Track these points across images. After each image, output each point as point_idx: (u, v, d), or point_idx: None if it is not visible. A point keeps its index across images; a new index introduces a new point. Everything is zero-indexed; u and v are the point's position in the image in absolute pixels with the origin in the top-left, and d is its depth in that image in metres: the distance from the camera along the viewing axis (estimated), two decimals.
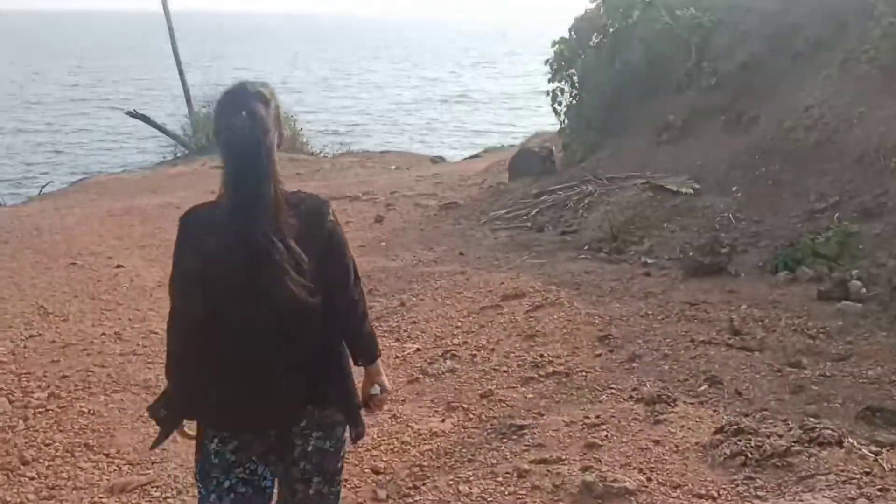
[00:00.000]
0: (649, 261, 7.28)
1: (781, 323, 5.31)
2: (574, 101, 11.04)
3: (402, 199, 11.46)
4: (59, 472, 4.09)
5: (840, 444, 3.50)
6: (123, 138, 20.12)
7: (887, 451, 3.51)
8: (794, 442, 3.53)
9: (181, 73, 16.94)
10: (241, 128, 2.05)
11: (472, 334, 5.86)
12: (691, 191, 8.15)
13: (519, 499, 3.51)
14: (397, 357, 5.46)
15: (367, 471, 3.98)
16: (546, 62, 11.31)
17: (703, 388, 4.46)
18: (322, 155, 16.72)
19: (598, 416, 4.15)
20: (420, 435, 4.25)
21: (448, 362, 5.20)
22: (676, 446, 3.79)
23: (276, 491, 2.40)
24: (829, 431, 3.58)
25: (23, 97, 26.94)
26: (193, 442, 2.32)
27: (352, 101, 30.19)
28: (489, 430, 4.18)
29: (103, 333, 6.20)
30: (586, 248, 7.94)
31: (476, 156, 17.02)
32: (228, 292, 2.11)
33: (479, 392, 4.69)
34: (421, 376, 5.03)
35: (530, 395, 4.58)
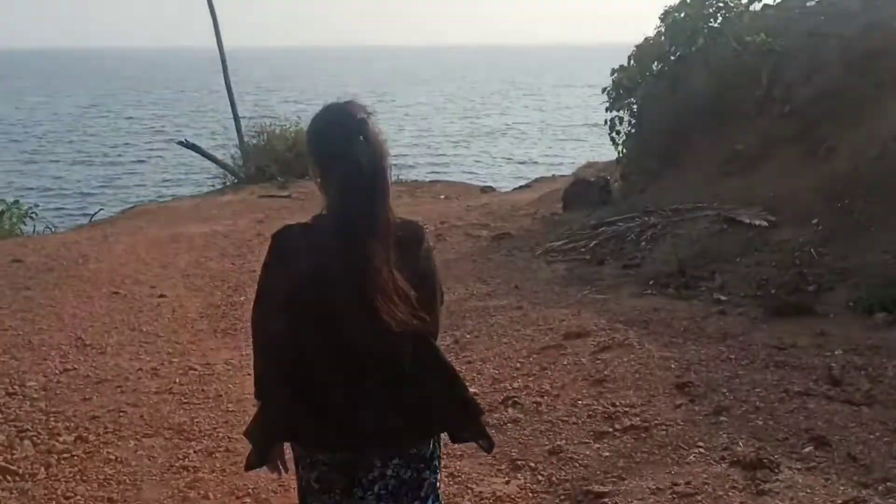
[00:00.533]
0: (723, 298, 6.63)
1: (889, 372, 4.63)
2: (633, 130, 10.46)
3: (452, 229, 10.95)
4: None
5: None
6: (174, 167, 20.05)
7: None
8: None
9: (233, 103, 16.75)
10: (362, 154, 2.00)
11: (533, 378, 5.27)
12: (766, 223, 7.49)
13: None
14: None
15: None
16: (604, 90, 10.77)
17: (807, 449, 3.82)
18: None
19: (688, 483, 3.54)
20: (482, 499, 3.69)
21: (510, 411, 4.62)
22: None
23: None
24: None
25: (80, 129, 27.20)
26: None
27: (397, 133, 29.97)
28: (562, 496, 3.60)
29: (139, 369, 5.76)
30: (652, 283, 7.31)
31: (526, 186, 16.48)
32: (328, 315, 2.04)
33: (547, 448, 4.10)
34: None
35: (606, 454, 3.98)
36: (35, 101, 34.00)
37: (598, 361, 5.40)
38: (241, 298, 7.78)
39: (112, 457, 4.25)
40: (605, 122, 10.72)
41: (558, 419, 4.46)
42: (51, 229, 13.07)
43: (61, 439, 4.48)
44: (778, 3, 10.03)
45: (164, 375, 5.62)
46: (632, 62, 10.52)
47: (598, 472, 3.78)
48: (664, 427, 4.22)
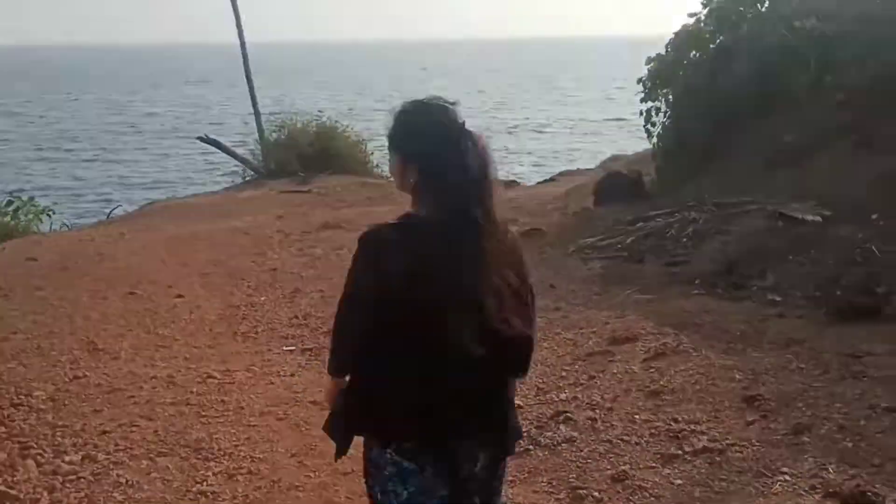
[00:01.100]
0: (777, 298, 6.09)
1: None
2: (669, 122, 9.90)
3: None
4: None
5: None
6: (194, 163, 19.67)
7: None
8: None
9: (253, 98, 16.32)
10: (472, 158, 2.00)
11: (581, 388, 4.78)
12: (820, 218, 6.94)
13: None
14: None
15: None
16: (639, 80, 10.22)
17: None
18: (392, 179, 15.83)
19: None
20: None
21: (562, 428, 4.12)
22: None
23: None
24: None
25: (100, 125, 26.90)
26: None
27: None
28: None
29: (154, 377, 5.30)
30: (698, 282, 6.78)
31: (551, 179, 15.94)
32: (418, 315, 1.98)
33: (610, 473, 3.60)
34: (531, 447, 3.96)
35: (678, 481, 3.48)
36: (55, 99, 33.80)
37: (652, 370, 4.90)
38: (262, 299, 7.34)
39: (122, 480, 3.79)
40: (641, 112, 10.18)
41: (617, 438, 3.96)
42: (67, 226, 12.69)
43: (67, 459, 4.03)
44: None
45: (181, 384, 5.17)
46: (668, 50, 9.96)
47: None
48: (739, 449, 3.71)
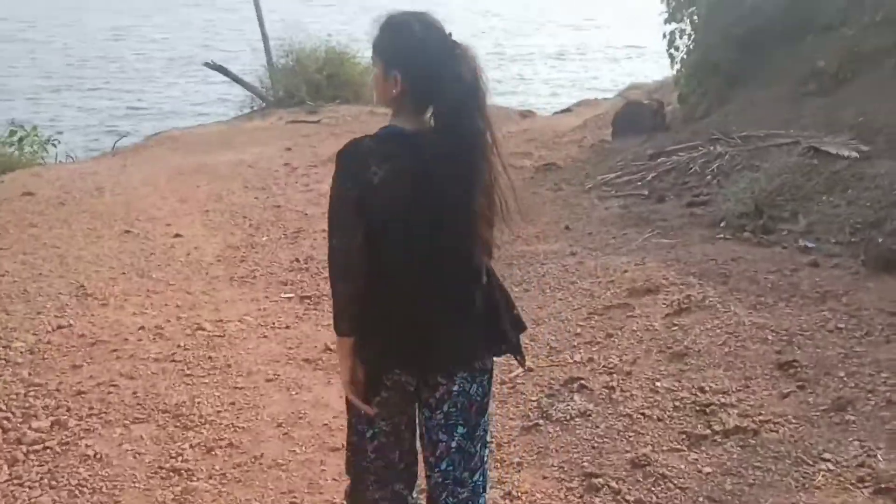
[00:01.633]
0: (810, 245, 5.57)
1: None
2: (693, 45, 9.17)
3: None
4: None
5: None
6: (203, 91, 19.01)
7: None
8: None
9: (260, 20, 15.56)
10: (466, 70, 1.95)
11: (598, 347, 4.32)
12: (856, 154, 6.33)
13: None
14: (504, 383, 3.96)
15: None
16: None
17: None
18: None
19: None
20: None
21: (576, 398, 3.67)
22: None
23: None
24: None
25: (105, 52, 26.09)
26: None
27: None
28: None
29: (142, 327, 4.90)
30: (723, 225, 6.25)
31: (568, 110, 15.18)
32: (399, 227, 1.97)
33: (629, 457, 3.16)
34: (541, 421, 3.52)
35: (707, 469, 3.03)
36: (60, 23, 32.87)
37: (675, 328, 4.42)
38: (263, 239, 6.90)
39: (91, 452, 3.40)
40: (663, 35, 9.44)
41: (638, 412, 3.51)
42: (72, 158, 12.20)
43: (35, 425, 3.64)
44: None
45: (168, 336, 4.76)
46: None
47: (701, 498, 2.85)
48: (774, 427, 3.25)
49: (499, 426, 3.51)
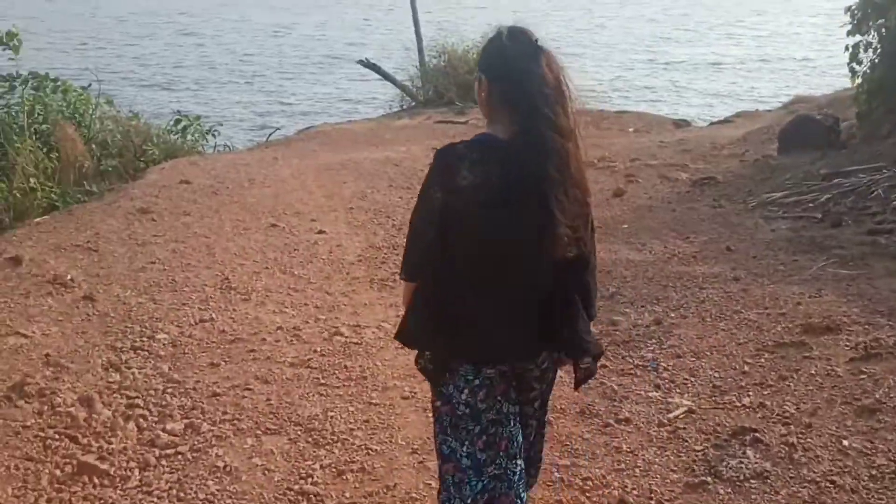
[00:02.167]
0: None
1: None
2: (880, 59, 8.27)
3: (644, 168, 9.31)
4: None
5: None
6: (353, 88, 19.26)
7: None
8: None
9: (416, 22, 15.54)
10: (545, 71, 1.99)
11: (770, 391, 3.79)
12: None
13: None
14: (662, 424, 3.51)
15: None
16: (847, 10, 8.59)
17: None
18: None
19: None
20: None
21: (749, 454, 3.17)
22: None
23: None
24: None
25: (263, 48, 27.05)
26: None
27: (577, 61, 27.68)
28: None
29: (280, 327, 4.76)
30: None
31: (727, 120, 14.27)
32: (483, 230, 2.00)
33: None
34: (709, 479, 3.04)
35: None
36: (225, 19, 34.49)
37: (862, 376, 3.82)
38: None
39: (221, 463, 3.22)
40: (846, 48, 8.58)
41: (825, 478, 2.98)
42: (229, 147, 12.53)
43: (169, 427, 3.52)
44: None
45: (306, 339, 4.59)
46: None
47: None
48: None
49: (658, 478, 3.08)
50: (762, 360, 4.14)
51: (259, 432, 3.49)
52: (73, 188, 8.87)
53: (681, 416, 3.57)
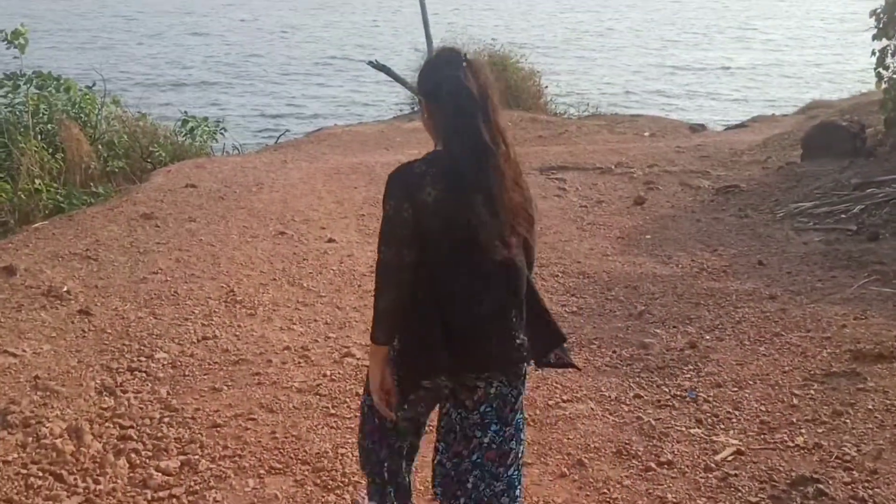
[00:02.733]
0: None
1: None
2: None
3: (664, 175, 8.92)
4: None
5: None
6: (365, 90, 18.90)
7: None
8: None
9: (426, 23, 15.14)
10: (468, 79, 2.02)
11: (824, 429, 3.40)
12: None
13: None
14: (709, 469, 3.12)
15: None
16: (872, 13, 8.19)
17: None
18: (566, 116, 14.32)
19: None
20: None
21: None
22: None
23: None
24: None
25: (274, 49, 26.73)
26: None
27: (586, 64, 27.21)
28: None
29: (287, 347, 4.38)
30: None
31: (742, 125, 13.91)
32: (447, 242, 2.02)
33: None
34: None
35: None
36: (231, 19, 34.22)
37: None
38: None
39: None
40: (872, 52, 8.18)
41: None
42: (238, 149, 12.18)
43: (164, 464, 3.14)
44: None
45: (314, 361, 4.21)
46: None
47: None
48: None
49: None
50: (811, 391, 3.75)
51: (262, 472, 3.11)
52: (78, 189, 8.54)
53: (729, 459, 3.19)
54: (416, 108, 14.34)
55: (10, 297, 4.82)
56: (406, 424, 2.26)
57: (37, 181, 8.12)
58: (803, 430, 3.39)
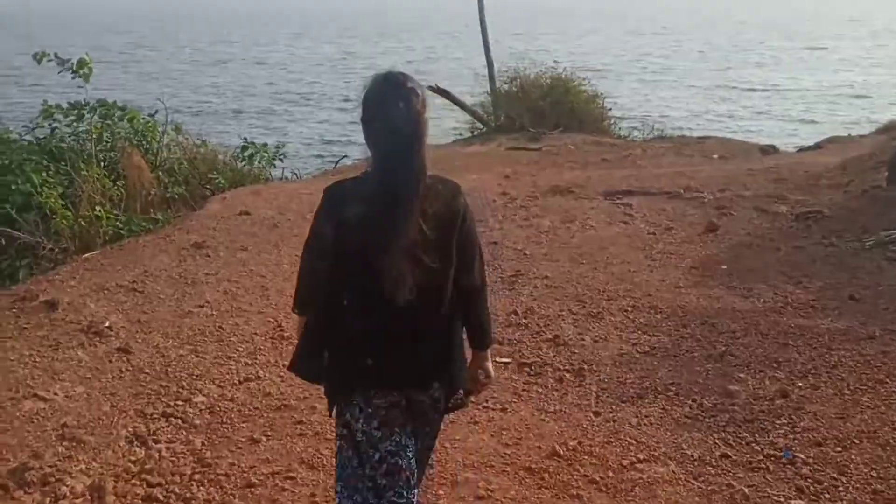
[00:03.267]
0: None
1: None
2: None
3: (736, 200, 8.31)
4: None
5: None
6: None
7: None
8: None
9: (487, 47, 14.83)
10: (398, 117, 2.04)
11: None
12: None
13: None
14: None
15: None
16: None
17: None
18: (631, 139, 13.77)
19: None
20: None
21: None
22: None
23: None
24: None
25: (331, 74, 26.79)
26: None
27: (648, 87, 26.57)
28: None
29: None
30: None
31: (817, 146, 13.13)
32: (361, 260, 2.05)
33: None
34: None
35: None
36: (296, 47, 34.57)
37: None
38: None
39: None
40: None
41: None
42: (297, 175, 11.99)
43: None
44: None
45: None
46: None
47: None
48: None
49: None
50: None
51: None
52: (138, 216, 8.41)
53: None
54: (475, 133, 14.00)
55: (49, 333, 4.55)
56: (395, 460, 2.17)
57: (97, 208, 8.00)
58: None
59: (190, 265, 6.08)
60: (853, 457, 3.25)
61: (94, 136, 9.24)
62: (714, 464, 3.28)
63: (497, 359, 4.53)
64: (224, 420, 3.71)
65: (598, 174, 9.79)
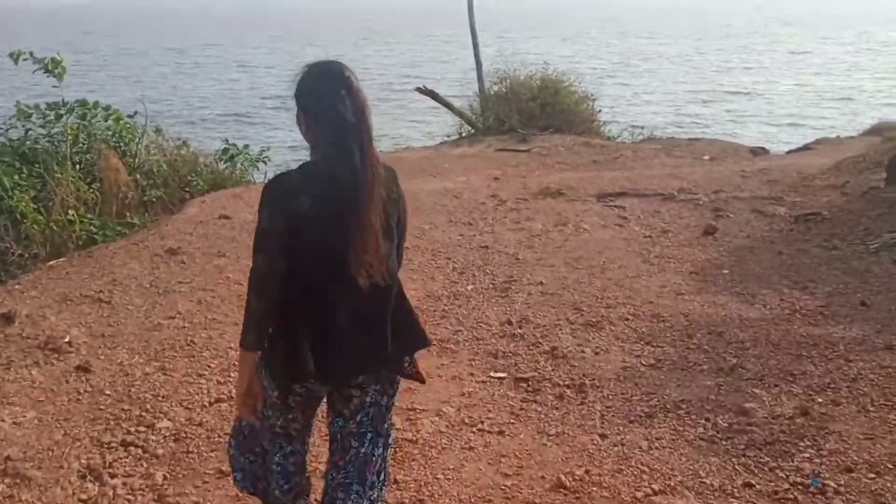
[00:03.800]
0: None
1: None
2: None
3: (732, 201, 7.96)
4: None
5: None
6: (412, 116, 18.27)
7: None
8: None
9: (476, 48, 14.47)
10: (347, 109, 1.99)
11: None
12: None
13: None
14: None
15: None
16: None
17: None
18: (620, 140, 13.40)
19: None
20: None
21: None
22: None
23: None
24: None
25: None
26: None
27: (634, 90, 26.29)
28: None
29: None
30: None
31: (806, 147, 12.83)
32: (320, 249, 2.00)
33: None
34: None
35: None
36: (281, 50, 34.08)
37: None
38: (468, 288, 5.48)
39: None
40: None
41: None
42: None
43: None
44: None
45: None
46: None
47: None
48: None
49: None
50: None
51: None
52: (113, 220, 7.94)
53: None
54: (463, 134, 13.61)
55: (1, 350, 4.11)
56: (278, 430, 2.19)
57: (70, 212, 7.53)
58: None
59: (163, 273, 5.65)
60: (889, 484, 2.88)
61: (69, 137, 8.78)
62: (737, 494, 2.90)
63: (491, 373, 4.14)
64: (190, 449, 3.29)
65: (589, 175, 9.42)
